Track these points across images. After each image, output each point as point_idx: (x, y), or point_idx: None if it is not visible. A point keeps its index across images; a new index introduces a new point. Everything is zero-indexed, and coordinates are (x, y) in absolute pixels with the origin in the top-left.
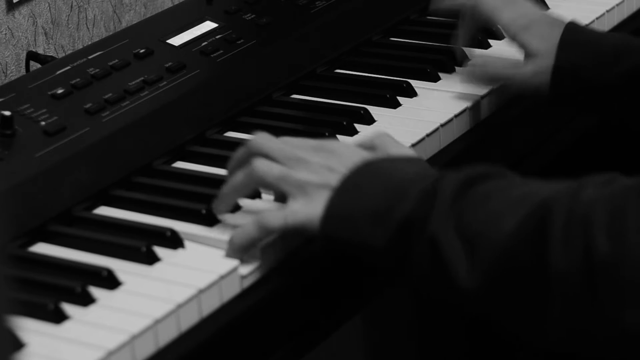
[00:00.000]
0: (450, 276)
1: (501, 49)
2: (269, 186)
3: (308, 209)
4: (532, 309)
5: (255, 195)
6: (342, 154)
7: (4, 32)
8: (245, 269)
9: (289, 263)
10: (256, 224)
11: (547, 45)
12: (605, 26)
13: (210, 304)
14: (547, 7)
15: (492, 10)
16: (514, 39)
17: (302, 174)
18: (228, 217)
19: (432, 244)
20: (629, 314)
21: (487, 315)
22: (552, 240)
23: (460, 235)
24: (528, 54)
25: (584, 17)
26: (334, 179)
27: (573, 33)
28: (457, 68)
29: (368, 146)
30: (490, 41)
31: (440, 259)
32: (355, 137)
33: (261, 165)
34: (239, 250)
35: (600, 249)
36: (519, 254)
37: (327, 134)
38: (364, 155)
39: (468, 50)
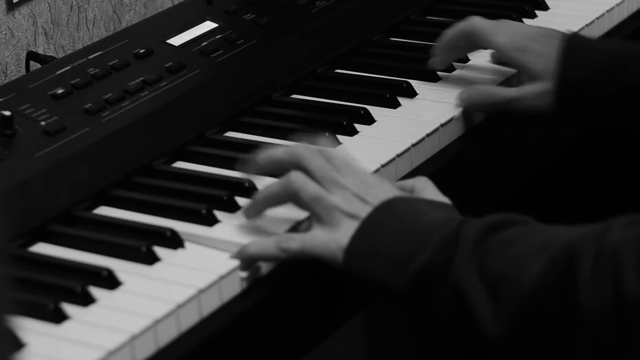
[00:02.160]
0: (475, 322)
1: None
2: (301, 203)
3: (330, 237)
4: (562, 352)
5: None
6: (378, 187)
7: (4, 32)
8: (245, 272)
9: (288, 263)
10: (275, 243)
11: (546, 62)
12: (605, 26)
13: (210, 304)
14: (547, 7)
15: (488, 34)
16: (511, 61)
17: (336, 199)
18: (228, 217)
19: (456, 290)
20: None
21: (516, 358)
22: (580, 281)
23: (484, 281)
24: (528, 76)
25: (584, 17)
26: (364, 211)
27: (572, 47)
28: (457, 68)
29: (408, 187)
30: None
31: (463, 305)
32: (356, 137)
33: (299, 181)
34: (249, 261)
35: (631, 288)
36: (546, 297)
37: (327, 134)
38: (397, 193)
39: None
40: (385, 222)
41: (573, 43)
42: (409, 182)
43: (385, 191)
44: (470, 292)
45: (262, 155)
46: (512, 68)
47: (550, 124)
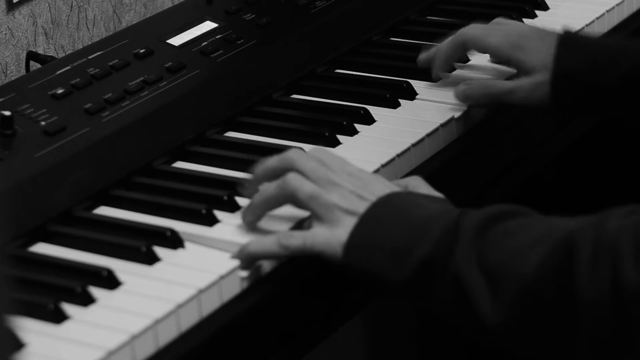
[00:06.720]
0: (475, 312)
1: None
2: (299, 203)
3: (330, 234)
4: (561, 342)
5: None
6: (373, 184)
7: (4, 32)
8: (245, 272)
9: (288, 263)
10: (276, 241)
11: (542, 57)
12: (605, 26)
13: (210, 304)
14: (547, 7)
15: (481, 39)
16: (508, 60)
17: (333, 197)
18: (228, 217)
19: (456, 281)
20: None
21: (515, 350)
22: (579, 271)
23: (484, 272)
24: (524, 71)
25: (584, 17)
26: (362, 207)
27: (568, 40)
28: (457, 68)
29: (402, 186)
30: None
31: (464, 296)
32: (356, 137)
33: (294, 181)
34: (250, 260)
35: (629, 278)
36: (545, 288)
37: (327, 134)
38: (393, 189)
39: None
40: (384, 216)
41: (568, 37)
42: (402, 182)
43: (382, 187)
44: (470, 283)
45: (257, 169)
46: (509, 66)
47: (552, 114)
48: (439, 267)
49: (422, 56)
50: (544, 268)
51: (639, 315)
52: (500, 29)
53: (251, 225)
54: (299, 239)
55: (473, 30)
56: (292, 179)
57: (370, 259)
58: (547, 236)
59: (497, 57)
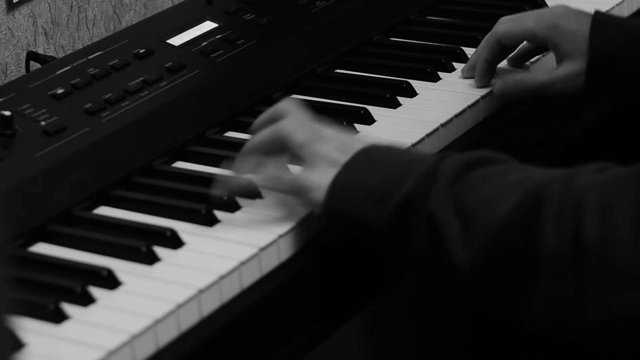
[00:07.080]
0: (446, 253)
1: None
2: (289, 148)
3: (319, 179)
4: (520, 290)
5: (256, 195)
6: (358, 142)
7: (4, 32)
8: (246, 268)
9: (288, 264)
10: (274, 173)
11: (578, 43)
12: None
13: (210, 304)
14: (546, 7)
15: (511, 30)
16: (545, 42)
17: (321, 148)
18: (228, 217)
19: (430, 221)
20: (614, 300)
21: (477, 295)
22: (544, 225)
23: (457, 215)
24: (560, 56)
25: None
26: (345, 159)
27: (601, 24)
28: (457, 68)
29: None
30: None
31: (437, 236)
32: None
33: (290, 125)
34: (241, 191)
35: (589, 235)
36: (511, 237)
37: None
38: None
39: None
40: (365, 163)
41: (601, 19)
42: None
43: (364, 144)
44: (443, 224)
45: (249, 143)
46: (545, 50)
47: (578, 102)
48: (416, 208)
49: (465, 68)
50: (511, 218)
51: (596, 274)
52: (532, 13)
53: (245, 173)
54: (292, 177)
55: (502, 25)
56: (288, 124)
57: (353, 203)
58: (519, 186)
59: (534, 40)
